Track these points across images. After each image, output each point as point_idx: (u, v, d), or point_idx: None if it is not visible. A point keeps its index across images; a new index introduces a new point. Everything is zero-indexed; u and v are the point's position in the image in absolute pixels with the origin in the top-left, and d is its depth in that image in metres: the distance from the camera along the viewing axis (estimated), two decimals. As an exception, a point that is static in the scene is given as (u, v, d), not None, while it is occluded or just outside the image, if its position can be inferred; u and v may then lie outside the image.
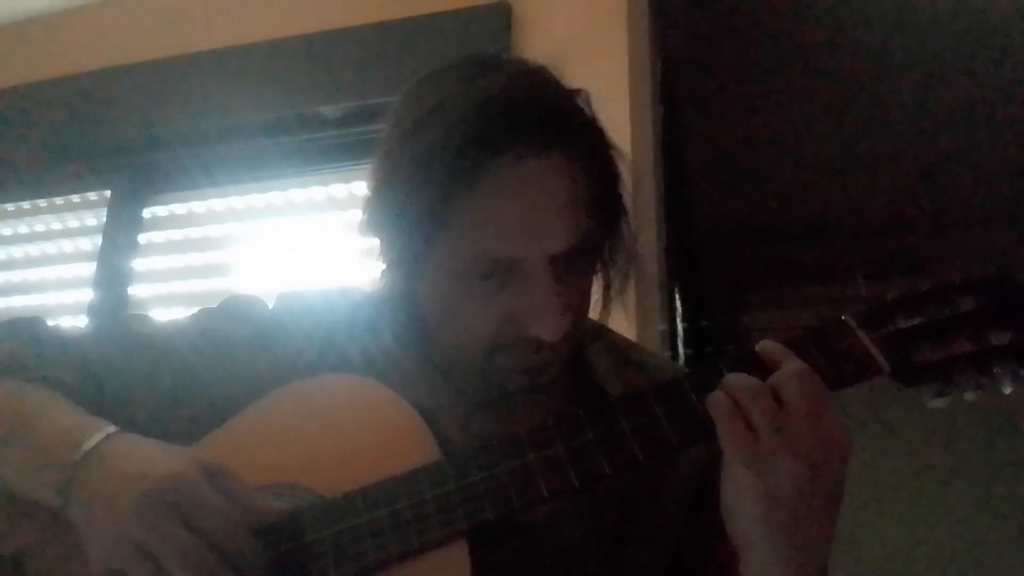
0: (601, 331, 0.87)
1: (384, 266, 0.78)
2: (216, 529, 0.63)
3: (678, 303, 2.10)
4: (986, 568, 2.83)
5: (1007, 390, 0.64)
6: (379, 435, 0.72)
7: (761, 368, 0.64)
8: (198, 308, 0.87)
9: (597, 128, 0.75)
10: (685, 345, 2.19)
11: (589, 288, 0.79)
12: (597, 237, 0.74)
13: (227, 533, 0.63)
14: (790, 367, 0.62)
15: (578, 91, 0.76)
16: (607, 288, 0.81)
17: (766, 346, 0.66)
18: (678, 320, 2.10)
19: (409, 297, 0.79)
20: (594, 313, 0.82)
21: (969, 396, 0.65)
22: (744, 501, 0.61)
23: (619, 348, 0.87)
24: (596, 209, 0.73)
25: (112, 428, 0.69)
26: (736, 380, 0.63)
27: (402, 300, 0.81)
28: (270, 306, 0.87)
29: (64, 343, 0.81)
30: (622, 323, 0.93)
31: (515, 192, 0.69)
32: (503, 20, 1.73)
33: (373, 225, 0.76)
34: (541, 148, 0.69)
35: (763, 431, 0.60)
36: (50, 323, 0.83)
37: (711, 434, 0.62)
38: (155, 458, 0.66)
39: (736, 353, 0.67)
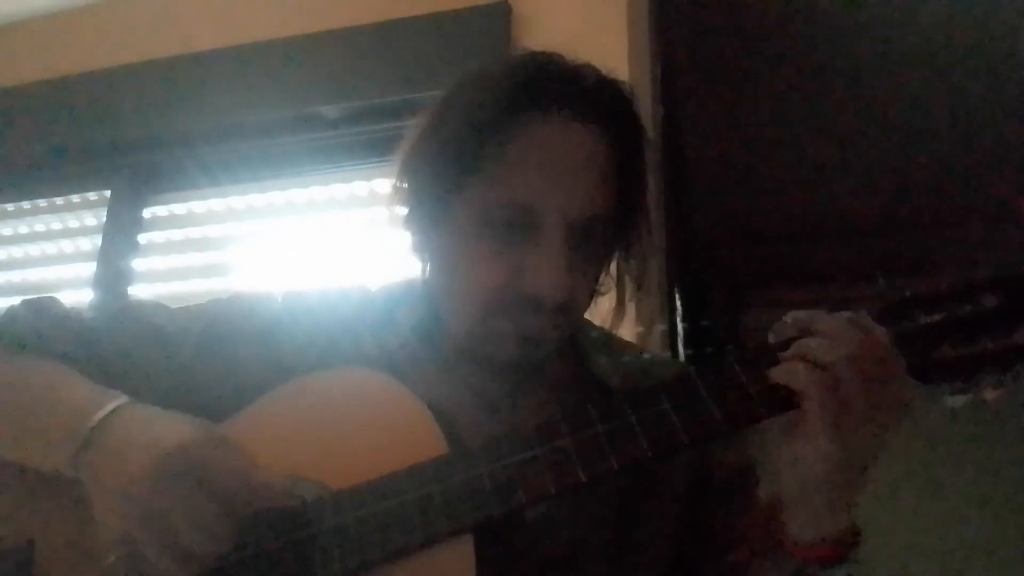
0: (603, 331, 0.87)
1: (407, 219, 0.80)
2: (229, 495, 0.63)
3: (678, 303, 2.10)
4: (986, 569, 2.82)
5: None
6: (387, 429, 0.71)
7: (774, 360, 0.63)
8: (208, 299, 0.87)
9: (637, 119, 0.79)
10: (685, 345, 2.19)
11: (595, 279, 0.80)
12: (614, 221, 0.77)
13: (240, 500, 0.63)
14: (875, 336, 0.61)
15: (625, 82, 0.79)
16: (621, 292, 0.82)
17: (799, 316, 0.65)
18: (678, 320, 2.10)
19: (425, 276, 0.81)
20: (607, 316, 0.83)
21: (989, 394, 0.63)
22: (809, 469, 0.60)
23: (621, 346, 0.87)
24: (620, 190, 0.76)
25: (125, 398, 0.69)
26: (821, 347, 0.61)
27: (418, 289, 0.83)
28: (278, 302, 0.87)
29: (77, 323, 0.82)
30: (622, 323, 0.93)
31: (551, 147, 0.73)
32: (503, 20, 1.73)
33: (408, 168, 0.79)
34: (584, 117, 0.74)
35: (855, 402, 0.59)
36: (66, 304, 0.84)
37: (722, 433, 0.62)
38: (170, 425, 0.66)
39: (752, 347, 0.65)
